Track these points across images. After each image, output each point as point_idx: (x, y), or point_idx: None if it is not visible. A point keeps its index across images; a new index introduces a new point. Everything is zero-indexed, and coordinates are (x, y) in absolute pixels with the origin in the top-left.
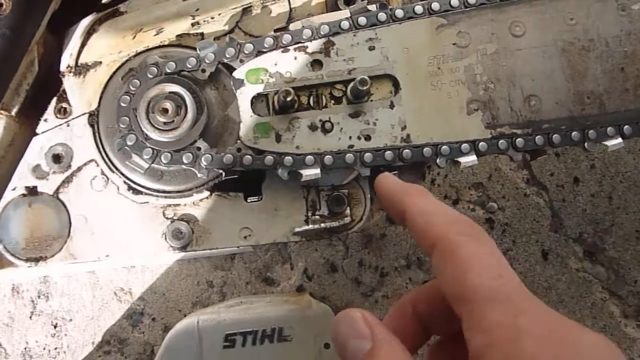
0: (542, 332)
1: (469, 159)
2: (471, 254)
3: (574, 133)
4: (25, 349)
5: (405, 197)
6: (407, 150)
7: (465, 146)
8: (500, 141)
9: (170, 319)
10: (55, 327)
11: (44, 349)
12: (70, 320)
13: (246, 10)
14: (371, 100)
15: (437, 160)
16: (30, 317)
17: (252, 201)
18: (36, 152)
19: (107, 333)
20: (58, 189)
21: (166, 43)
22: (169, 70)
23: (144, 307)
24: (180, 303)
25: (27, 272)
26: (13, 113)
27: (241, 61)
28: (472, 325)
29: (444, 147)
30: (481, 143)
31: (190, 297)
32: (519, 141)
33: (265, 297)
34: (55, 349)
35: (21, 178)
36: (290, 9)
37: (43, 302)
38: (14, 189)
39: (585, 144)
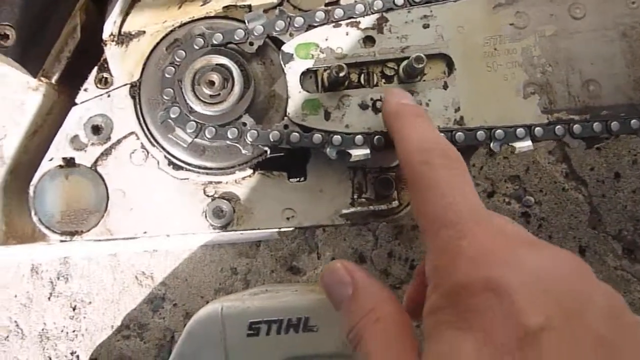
0: (479, 254)
1: (524, 144)
2: (431, 184)
3: (633, 121)
4: (42, 330)
5: (396, 120)
6: (460, 133)
7: (520, 131)
8: (557, 127)
9: (192, 305)
10: (74, 309)
11: (62, 331)
12: (90, 302)
13: None
14: (424, 80)
15: (491, 145)
16: (49, 298)
17: (296, 181)
18: (75, 122)
19: (127, 317)
20: (96, 161)
21: (212, 14)
22: (215, 42)
23: (165, 292)
24: (203, 289)
25: (47, 253)
26: (53, 80)
27: (291, 35)
28: (426, 252)
29: (498, 131)
30: (537, 128)
31: (213, 283)
32: (577, 127)
33: (291, 286)
34: (74, 331)
35: (59, 149)
36: None
37: (62, 283)
38: (50, 160)
39: None
